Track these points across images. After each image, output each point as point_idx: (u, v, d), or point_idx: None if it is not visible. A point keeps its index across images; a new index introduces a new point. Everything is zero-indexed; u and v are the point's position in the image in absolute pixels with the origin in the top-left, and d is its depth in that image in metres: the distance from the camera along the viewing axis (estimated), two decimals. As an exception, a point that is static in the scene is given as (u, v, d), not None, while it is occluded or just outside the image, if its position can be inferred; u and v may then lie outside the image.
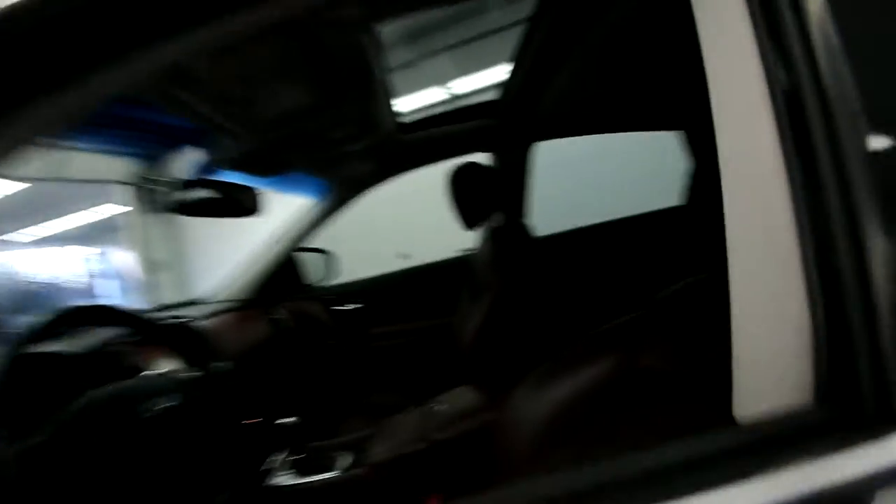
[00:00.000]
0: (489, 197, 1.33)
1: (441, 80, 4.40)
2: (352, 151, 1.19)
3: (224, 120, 0.91)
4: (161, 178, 3.99)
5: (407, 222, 4.60)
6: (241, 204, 1.20)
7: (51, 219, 5.86)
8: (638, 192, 2.10)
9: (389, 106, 1.17)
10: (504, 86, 1.32)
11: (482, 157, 1.54)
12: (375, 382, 1.62)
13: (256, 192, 1.22)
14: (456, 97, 4.57)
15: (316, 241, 1.72)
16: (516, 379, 1.01)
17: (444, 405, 1.09)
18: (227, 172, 1.27)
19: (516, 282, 1.21)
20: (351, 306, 1.86)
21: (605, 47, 1.03)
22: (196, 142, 1.13)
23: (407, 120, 1.45)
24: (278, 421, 1.12)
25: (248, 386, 1.11)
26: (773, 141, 0.31)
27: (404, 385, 1.52)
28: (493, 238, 1.35)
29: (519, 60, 1.12)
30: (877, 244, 0.31)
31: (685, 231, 1.86)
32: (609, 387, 0.79)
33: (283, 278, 1.67)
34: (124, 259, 5.69)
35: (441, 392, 1.20)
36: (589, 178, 4.14)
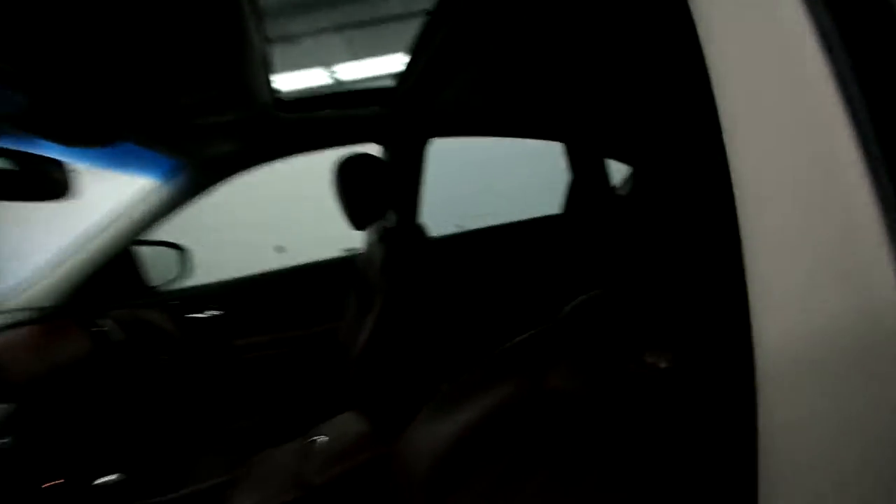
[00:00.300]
0: (381, 193, 1.19)
1: (326, 61, 4.07)
2: (213, 124, 0.95)
3: (14, 65, 0.62)
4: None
5: (285, 219, 4.18)
6: (40, 182, 0.86)
7: None
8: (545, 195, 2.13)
9: (266, 77, 0.96)
10: (401, 75, 1.20)
11: (374, 149, 1.39)
12: (239, 408, 1.36)
13: (67, 167, 0.90)
14: (340, 83, 4.29)
15: (164, 234, 1.39)
16: (411, 403, 0.90)
17: (325, 437, 0.92)
18: (23, 139, 0.92)
19: (411, 290, 1.10)
20: (209, 313, 1.55)
21: (507, 51, 0.99)
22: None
23: (286, 97, 1.23)
24: (97, 479, 0.83)
25: (47, 433, 0.80)
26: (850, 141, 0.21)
27: (276, 411, 1.30)
28: (384, 239, 1.22)
29: (419, 51, 1.01)
30: None
31: (570, 239, 1.96)
32: (516, 413, 0.73)
33: (112, 278, 1.32)
34: None
35: (321, 419, 1.02)
36: (494, 179, 4.23)
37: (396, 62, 1.20)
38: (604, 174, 2.00)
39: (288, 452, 0.94)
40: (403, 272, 1.13)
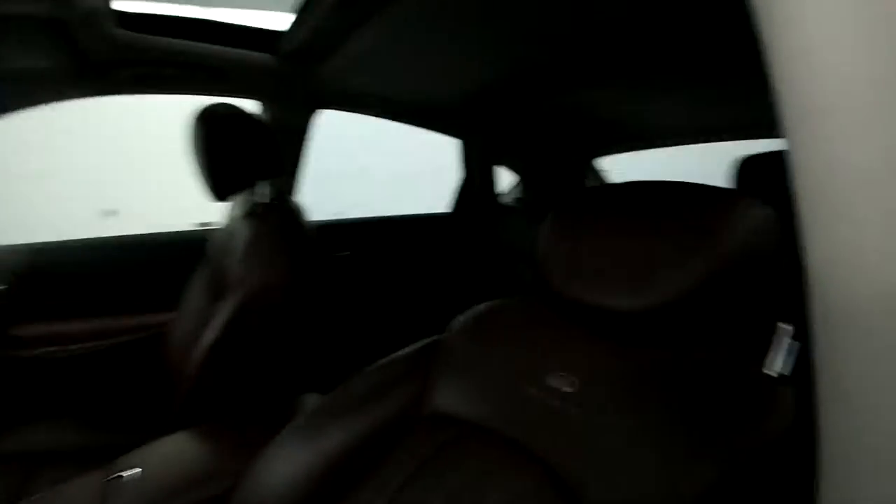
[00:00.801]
0: (252, 158, 0.98)
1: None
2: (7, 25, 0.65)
3: None
4: None
5: (124, 176, 3.40)
6: None
7: None
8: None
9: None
10: (295, 24, 1.01)
11: (251, 105, 1.16)
12: (19, 420, 0.99)
13: None
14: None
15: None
16: (267, 421, 0.73)
17: (138, 470, 0.68)
18: None
19: (281, 281, 0.91)
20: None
21: (409, 21, 0.89)
22: None
23: (135, 13, 0.93)
24: None
25: None
26: None
27: (72, 427, 0.98)
28: (252, 216, 1.01)
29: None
30: None
31: (457, 240, 1.93)
32: (395, 436, 0.62)
33: None
34: None
35: (138, 442, 0.77)
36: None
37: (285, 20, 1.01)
38: (490, 178, 2.02)
39: (84, 488, 0.68)
40: (273, 260, 0.94)
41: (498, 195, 2.06)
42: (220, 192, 0.96)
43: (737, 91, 1.15)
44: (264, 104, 1.27)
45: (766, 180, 0.99)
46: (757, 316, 0.37)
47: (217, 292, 0.97)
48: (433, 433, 0.61)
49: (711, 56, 0.96)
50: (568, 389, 0.55)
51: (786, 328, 0.29)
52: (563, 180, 1.82)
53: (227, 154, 0.94)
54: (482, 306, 0.72)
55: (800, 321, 0.21)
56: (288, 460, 0.60)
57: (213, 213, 1.25)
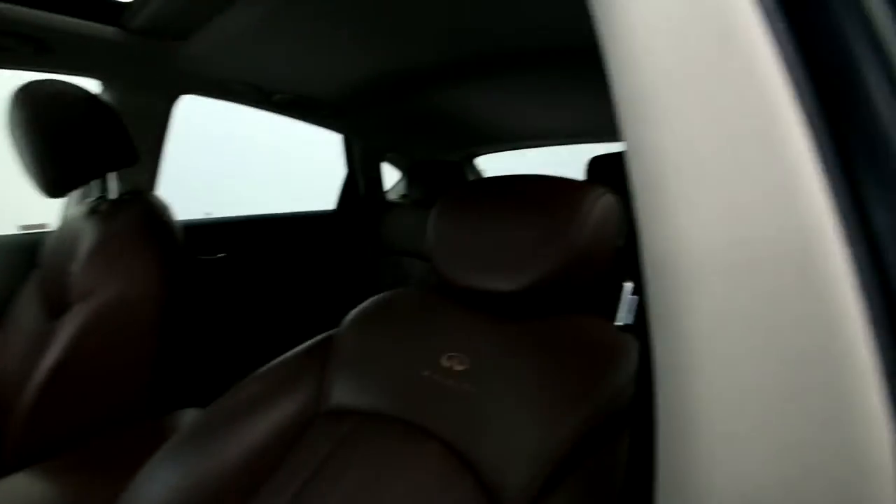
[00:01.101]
0: (93, 147, 0.84)
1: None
2: None
3: None
4: None
5: None
6: None
7: None
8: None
9: None
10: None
11: (94, 86, 1.00)
12: None
13: None
14: None
15: None
16: (140, 444, 0.64)
17: None
18: None
19: (138, 288, 0.80)
20: None
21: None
22: None
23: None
24: None
25: None
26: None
27: None
28: (97, 214, 0.87)
29: None
30: None
31: (340, 235, 1.88)
32: (291, 438, 0.60)
33: None
34: None
35: None
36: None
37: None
38: (377, 175, 2.02)
39: None
40: (126, 264, 0.82)
41: (384, 192, 2.06)
42: (52, 186, 0.80)
43: (594, 99, 1.33)
44: (106, 85, 1.10)
45: (610, 173, 1.19)
46: (613, 281, 0.45)
47: (55, 307, 0.81)
48: (331, 429, 0.60)
49: (571, 66, 1.09)
50: (460, 368, 0.58)
51: (628, 285, 0.36)
52: (444, 177, 1.89)
53: (59, 141, 0.79)
54: (374, 298, 0.72)
55: (638, 281, 0.26)
56: (162, 487, 0.53)
57: (43, 212, 1.05)
